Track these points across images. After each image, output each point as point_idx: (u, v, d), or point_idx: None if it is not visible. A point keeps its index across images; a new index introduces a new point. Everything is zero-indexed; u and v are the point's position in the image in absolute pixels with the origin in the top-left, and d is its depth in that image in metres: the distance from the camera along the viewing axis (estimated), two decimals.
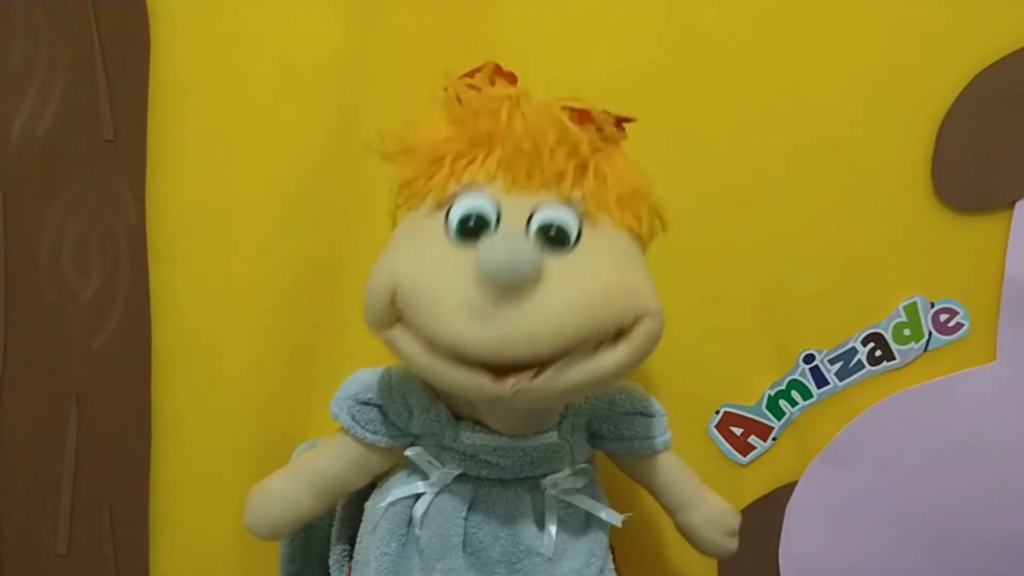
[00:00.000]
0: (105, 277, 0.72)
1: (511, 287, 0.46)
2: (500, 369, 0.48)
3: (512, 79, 0.55)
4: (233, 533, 0.73)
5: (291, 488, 0.58)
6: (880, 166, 0.71)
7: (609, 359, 0.50)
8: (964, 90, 0.70)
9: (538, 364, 0.48)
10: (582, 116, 0.52)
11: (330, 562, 0.62)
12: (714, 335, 0.74)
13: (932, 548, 0.74)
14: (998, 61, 0.69)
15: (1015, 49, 0.69)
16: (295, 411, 0.73)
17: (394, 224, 0.57)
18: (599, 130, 0.53)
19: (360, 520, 0.60)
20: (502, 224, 0.50)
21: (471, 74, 0.55)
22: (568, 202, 0.51)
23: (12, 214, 0.71)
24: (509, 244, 0.47)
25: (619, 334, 0.50)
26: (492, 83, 0.54)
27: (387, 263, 0.52)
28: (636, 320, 0.50)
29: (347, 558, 0.62)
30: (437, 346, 0.49)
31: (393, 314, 0.50)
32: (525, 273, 0.46)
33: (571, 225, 0.51)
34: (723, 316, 0.73)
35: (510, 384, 0.48)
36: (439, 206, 0.52)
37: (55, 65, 0.70)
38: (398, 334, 0.51)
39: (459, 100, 0.54)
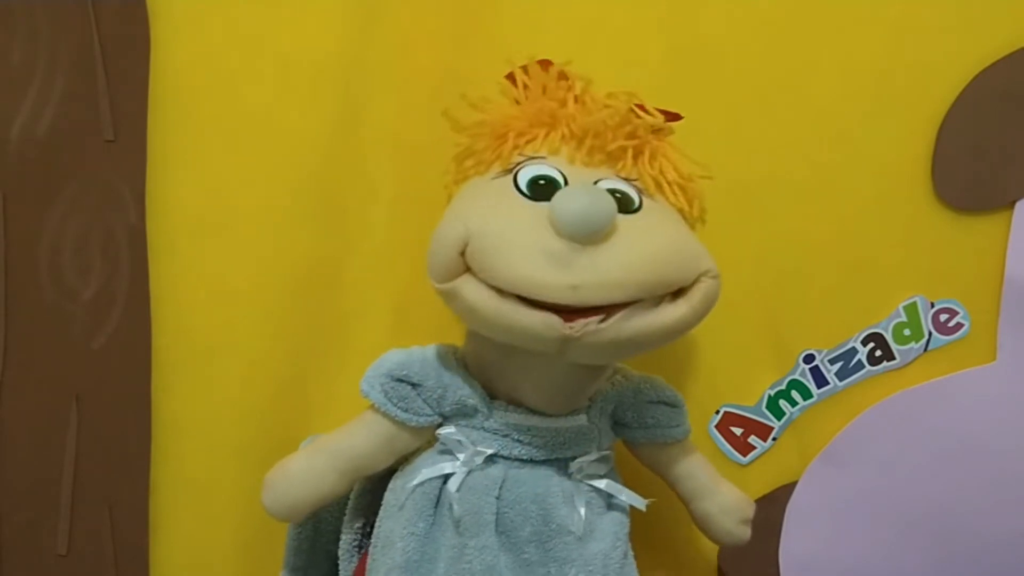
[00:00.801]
0: (105, 277, 0.72)
1: (588, 234, 0.49)
2: (568, 314, 0.50)
3: (570, 77, 0.59)
4: (233, 533, 0.73)
5: (313, 467, 0.59)
6: (880, 166, 0.71)
7: (671, 313, 0.52)
8: (964, 90, 0.70)
9: (606, 310, 0.50)
10: (639, 108, 0.56)
11: (339, 551, 0.62)
12: (714, 335, 0.73)
13: (932, 548, 0.74)
14: (998, 61, 0.69)
15: (1015, 49, 0.69)
16: (295, 411, 0.73)
17: (449, 199, 0.59)
18: (652, 121, 0.57)
19: (374, 509, 0.60)
20: (570, 185, 0.54)
21: (529, 66, 0.58)
22: (627, 179, 0.55)
23: (12, 214, 0.71)
24: (586, 193, 0.51)
25: (679, 293, 0.53)
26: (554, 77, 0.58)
27: (457, 215, 0.53)
28: (697, 278, 0.53)
29: (357, 547, 0.62)
30: (505, 294, 0.50)
31: (460, 265, 0.52)
32: (602, 221, 0.49)
33: (633, 193, 0.55)
34: (723, 316, 0.73)
35: (580, 324, 0.49)
36: (505, 172, 0.55)
37: (55, 65, 0.70)
38: (463, 283, 0.52)
39: (525, 86, 0.58)
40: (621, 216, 0.51)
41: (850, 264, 0.72)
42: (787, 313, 0.73)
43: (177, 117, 0.71)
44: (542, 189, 0.53)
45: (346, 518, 0.63)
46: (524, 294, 0.50)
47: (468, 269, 0.52)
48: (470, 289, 0.52)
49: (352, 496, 0.63)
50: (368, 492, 0.62)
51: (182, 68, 0.70)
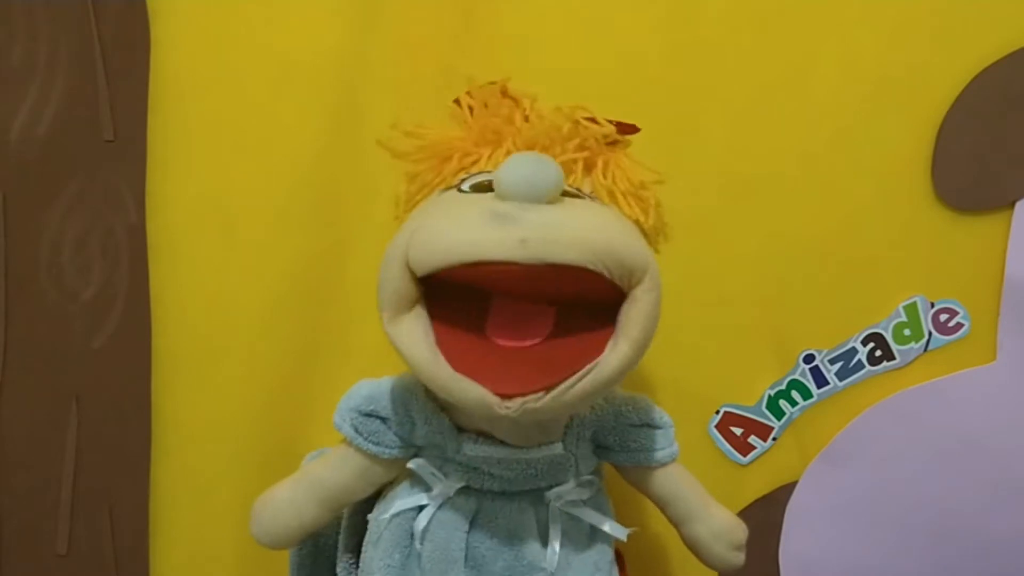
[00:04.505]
0: (105, 277, 0.72)
1: (534, 195, 0.47)
2: (504, 390, 0.47)
3: (518, 100, 0.56)
4: (233, 533, 0.73)
5: (295, 498, 0.58)
6: (880, 166, 0.71)
7: (614, 357, 0.49)
8: (964, 90, 0.70)
9: (555, 273, 0.46)
10: (588, 122, 0.53)
11: (338, 571, 0.62)
12: (714, 335, 0.74)
13: (932, 548, 0.74)
14: (998, 61, 0.69)
15: (1015, 49, 0.69)
16: (295, 411, 0.73)
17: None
18: (604, 135, 0.54)
19: (366, 529, 0.60)
20: None
21: (478, 88, 0.56)
22: (578, 192, 0.52)
23: (12, 214, 0.71)
24: (532, 155, 0.49)
25: (618, 309, 0.49)
26: (502, 98, 0.56)
27: (402, 229, 0.51)
28: (642, 269, 0.49)
29: (355, 566, 0.61)
30: (436, 354, 0.48)
31: (409, 286, 0.49)
32: (548, 182, 0.47)
33: (583, 194, 0.52)
34: (723, 316, 0.73)
35: (517, 404, 0.47)
36: (448, 189, 0.54)
37: (55, 65, 0.70)
38: (407, 327, 0.49)
39: (470, 109, 0.56)
40: (570, 199, 0.50)
41: (850, 264, 0.72)
42: (787, 313, 0.73)
43: (177, 117, 0.71)
44: (487, 187, 0.50)
45: (340, 540, 0.63)
46: (469, 258, 0.46)
47: (415, 303, 0.49)
48: (408, 336, 0.49)
49: (344, 518, 0.63)
50: (359, 514, 0.61)
51: (182, 68, 0.70)
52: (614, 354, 0.49)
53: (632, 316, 0.49)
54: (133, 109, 0.71)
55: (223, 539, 0.74)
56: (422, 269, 0.48)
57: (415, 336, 0.49)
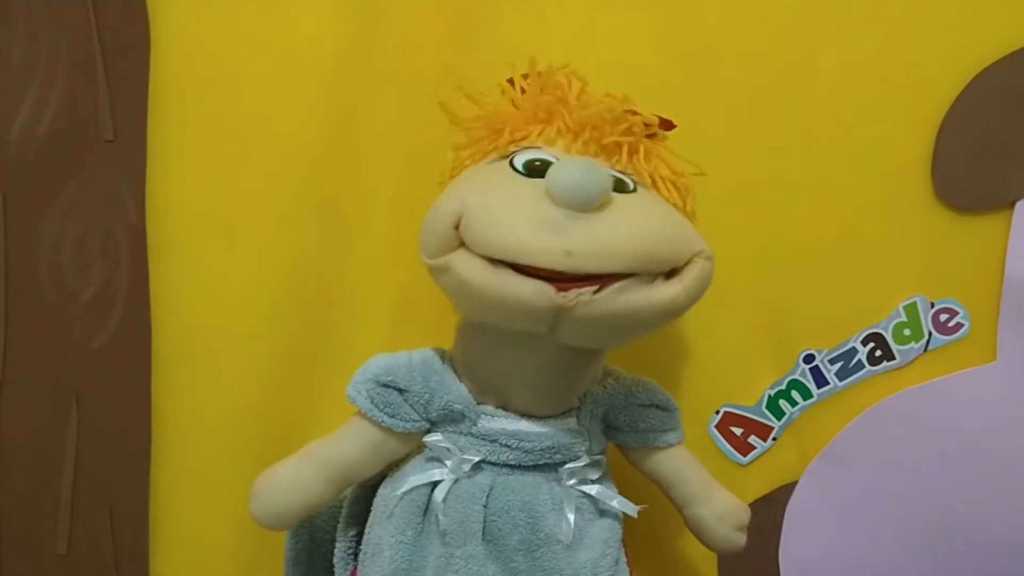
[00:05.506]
0: (105, 277, 0.72)
1: (583, 201, 0.49)
2: (562, 283, 0.49)
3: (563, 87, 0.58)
4: (233, 533, 0.73)
5: (300, 475, 0.58)
6: (880, 166, 0.71)
7: (665, 291, 0.52)
8: (964, 90, 0.70)
9: (600, 280, 0.49)
10: (635, 111, 0.56)
11: (334, 559, 0.62)
12: (714, 335, 0.74)
13: (932, 548, 0.74)
14: (998, 61, 0.69)
15: (1015, 49, 0.69)
16: (295, 411, 0.73)
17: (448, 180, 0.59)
18: (647, 126, 0.57)
19: (367, 516, 0.60)
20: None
21: (533, 72, 0.58)
22: (622, 172, 0.55)
23: (12, 214, 0.71)
24: (582, 162, 0.51)
25: (671, 274, 0.52)
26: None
27: (453, 191, 0.53)
28: (690, 259, 0.53)
29: (352, 555, 0.61)
30: (498, 264, 0.50)
31: (454, 239, 0.51)
32: (597, 188, 0.49)
33: (628, 180, 0.55)
34: (723, 316, 0.73)
35: (573, 294, 0.49)
36: (501, 158, 0.55)
37: (55, 65, 0.70)
38: (455, 257, 0.51)
39: (522, 90, 0.58)
40: (616, 194, 0.52)
41: (850, 264, 0.72)
42: (787, 313, 0.73)
43: (177, 117, 0.71)
44: (538, 169, 0.53)
45: (340, 526, 0.62)
46: (518, 260, 0.49)
47: (461, 244, 0.51)
48: (462, 262, 0.51)
49: (345, 504, 0.62)
50: (361, 499, 0.62)
51: (182, 68, 0.70)
52: (667, 288, 0.52)
53: (688, 270, 0.53)
54: (133, 109, 0.71)
55: (223, 539, 0.74)
56: (472, 248, 0.51)
57: (469, 259, 0.51)
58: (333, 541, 0.63)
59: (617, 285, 0.50)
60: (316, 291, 0.73)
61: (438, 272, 0.53)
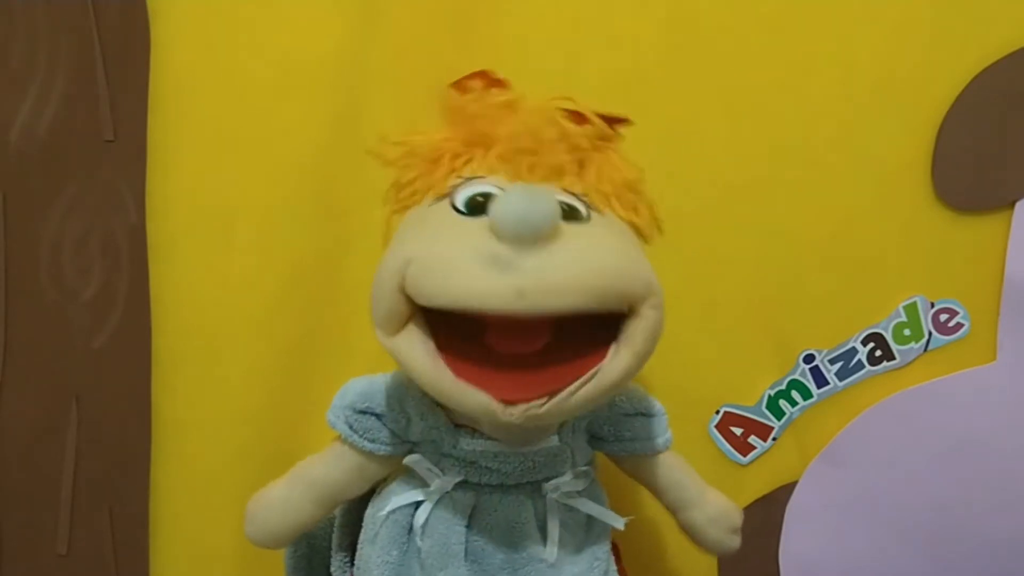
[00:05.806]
0: (105, 277, 0.72)
1: (530, 232, 0.45)
2: (507, 396, 0.47)
3: (505, 85, 0.55)
4: (233, 533, 0.73)
5: (290, 496, 0.58)
6: (880, 166, 0.71)
7: (615, 367, 0.49)
8: (964, 90, 0.70)
9: (552, 318, 0.46)
10: (577, 117, 0.53)
11: (332, 569, 0.62)
12: (714, 335, 0.74)
13: (932, 548, 0.74)
14: (998, 61, 0.69)
15: (1015, 49, 0.69)
16: (295, 411, 0.73)
17: (388, 232, 0.56)
18: (594, 130, 0.53)
19: (360, 526, 0.59)
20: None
21: (464, 81, 0.55)
22: (574, 193, 0.52)
23: (12, 214, 0.71)
24: (526, 190, 0.47)
25: (621, 318, 0.49)
26: (488, 89, 0.55)
27: (393, 250, 0.50)
28: (643, 296, 0.49)
29: (349, 564, 0.61)
30: (439, 355, 0.48)
31: (403, 307, 0.49)
32: (544, 216, 0.45)
33: (580, 206, 0.51)
34: (723, 316, 0.73)
35: (519, 410, 0.47)
36: (441, 198, 0.52)
37: (55, 65, 0.70)
38: (400, 341, 0.49)
39: (455, 107, 0.55)
40: (567, 224, 0.48)
41: (850, 264, 0.72)
42: (787, 313, 0.73)
43: (177, 117, 0.71)
44: (481, 205, 0.49)
45: (334, 538, 0.63)
46: (468, 306, 0.46)
47: (411, 318, 0.49)
48: (406, 348, 0.49)
49: (338, 516, 0.62)
50: (352, 512, 0.61)
51: (182, 68, 0.71)
52: (616, 362, 0.49)
53: (636, 329, 0.49)
54: (133, 109, 0.71)
55: (223, 539, 0.74)
56: (419, 302, 0.48)
57: (414, 346, 0.49)
58: (331, 548, 0.63)
59: (568, 389, 0.47)
60: (316, 291, 0.73)
61: (392, 355, 0.50)
